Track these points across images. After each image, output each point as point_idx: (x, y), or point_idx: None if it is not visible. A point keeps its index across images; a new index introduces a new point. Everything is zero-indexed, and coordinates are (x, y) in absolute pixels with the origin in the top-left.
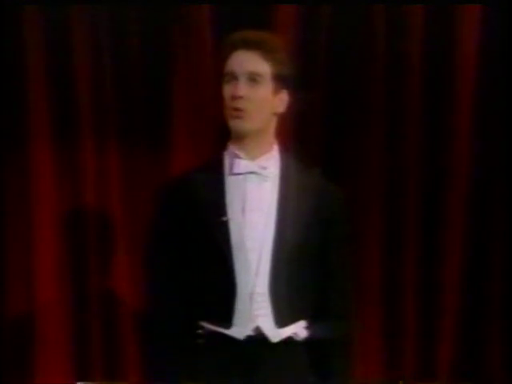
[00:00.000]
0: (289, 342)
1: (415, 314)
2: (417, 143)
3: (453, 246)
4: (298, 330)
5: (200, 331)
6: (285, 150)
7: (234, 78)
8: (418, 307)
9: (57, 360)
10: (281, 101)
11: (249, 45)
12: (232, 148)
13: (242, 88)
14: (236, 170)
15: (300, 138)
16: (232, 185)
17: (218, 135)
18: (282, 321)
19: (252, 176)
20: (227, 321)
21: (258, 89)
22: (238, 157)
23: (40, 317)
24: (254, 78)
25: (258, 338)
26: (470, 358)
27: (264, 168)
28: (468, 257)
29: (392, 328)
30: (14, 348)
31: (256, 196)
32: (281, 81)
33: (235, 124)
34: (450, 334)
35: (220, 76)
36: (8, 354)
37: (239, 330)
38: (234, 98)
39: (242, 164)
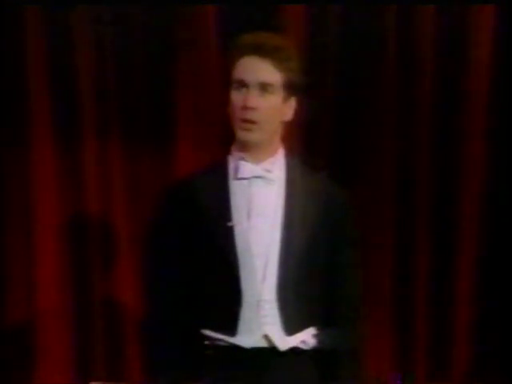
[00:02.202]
0: (297, 350)
1: (427, 317)
2: (429, 145)
3: (466, 247)
4: (307, 337)
5: (207, 342)
6: (290, 154)
7: (243, 86)
8: (430, 310)
9: (58, 366)
10: (289, 108)
11: (260, 51)
12: (236, 152)
13: (254, 99)
14: (241, 175)
15: (307, 141)
16: (237, 189)
17: (223, 139)
18: (290, 328)
19: (257, 180)
20: (234, 329)
21: (269, 99)
22: (242, 161)
23: (41, 323)
24: (265, 88)
25: (266, 347)
26: (484, 360)
27: (269, 171)
28: (482, 258)
29: (404, 331)
30: (16, 353)
31: (261, 200)
32: (291, 89)
33: (244, 135)
34: (464, 337)
35: (226, 79)
36: (9, 360)
37: (246, 338)
38: (245, 108)
39: (247, 168)
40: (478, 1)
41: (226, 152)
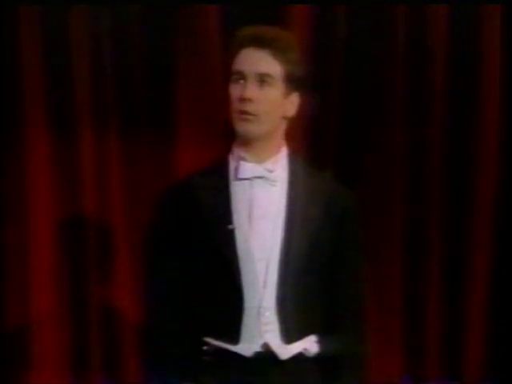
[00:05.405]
0: (299, 358)
1: (438, 322)
2: (439, 145)
3: (479, 249)
4: (309, 345)
5: (206, 348)
6: (294, 153)
7: (242, 77)
8: (441, 315)
9: (55, 369)
10: (291, 104)
11: (259, 42)
12: (237, 151)
13: (251, 90)
14: (242, 175)
15: (312, 141)
16: (238, 190)
17: (224, 136)
18: (291, 336)
19: (259, 181)
20: (234, 337)
21: (267, 91)
22: (243, 160)
23: (38, 326)
24: (263, 80)
25: (267, 355)
26: (496, 362)
27: (271, 171)
28: (495, 261)
29: (414, 336)
30: (12, 356)
31: (263, 202)
32: (292, 82)
33: (242, 127)
34: (476, 339)
35: (228, 74)
36: (6, 362)
37: (247, 346)
38: (242, 100)
39: (248, 168)
40: (487, 1)
41: (226, 151)
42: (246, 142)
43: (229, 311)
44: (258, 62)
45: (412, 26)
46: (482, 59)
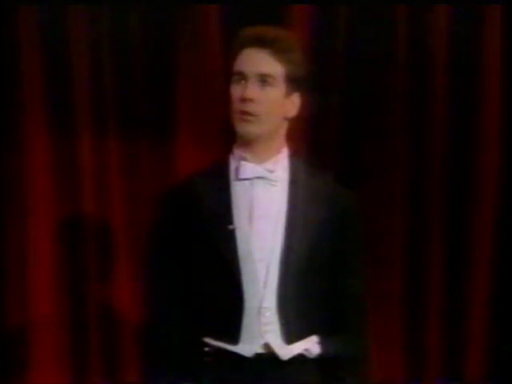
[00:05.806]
0: (300, 358)
1: (438, 322)
2: (441, 147)
3: (480, 250)
4: (310, 345)
5: (206, 349)
6: (295, 154)
7: (243, 78)
8: (441, 315)
9: (54, 371)
10: (293, 104)
11: (261, 43)
12: (238, 151)
13: (252, 90)
14: (242, 175)
15: (314, 142)
16: (238, 191)
17: (224, 137)
18: (291, 336)
19: (259, 181)
20: (234, 337)
21: (269, 91)
22: (244, 161)
23: (37, 328)
24: (264, 80)
25: (268, 356)
26: (495, 368)
27: (271, 171)
28: (496, 259)
29: (414, 336)
30: (11, 358)
31: (264, 202)
32: (294, 83)
33: (243, 128)
34: (477, 342)
35: (228, 77)
36: (5, 364)
37: (247, 346)
38: (243, 100)
39: (249, 168)
40: (487, 1)
41: (227, 151)
42: (247, 143)
43: (229, 311)
44: (259, 62)
45: (412, 26)
46: (483, 59)
